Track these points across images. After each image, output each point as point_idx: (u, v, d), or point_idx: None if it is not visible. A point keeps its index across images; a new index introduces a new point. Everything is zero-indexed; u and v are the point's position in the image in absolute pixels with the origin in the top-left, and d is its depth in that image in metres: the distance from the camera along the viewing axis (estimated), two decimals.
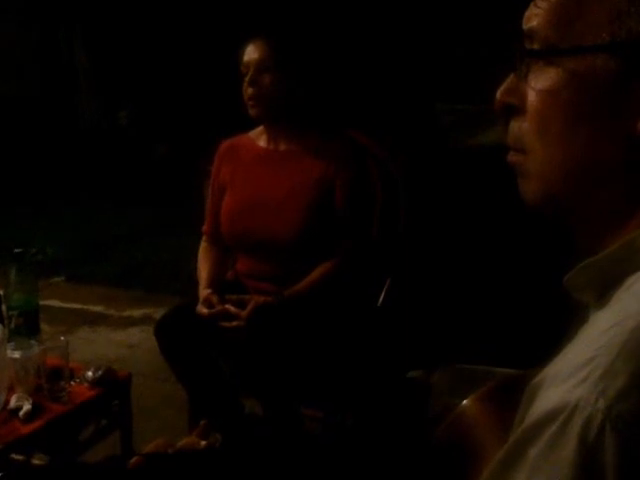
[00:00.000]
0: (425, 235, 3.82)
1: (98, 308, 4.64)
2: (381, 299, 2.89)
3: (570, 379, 0.73)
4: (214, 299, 2.69)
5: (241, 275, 2.86)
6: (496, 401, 1.20)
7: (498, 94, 0.91)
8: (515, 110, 0.90)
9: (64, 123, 8.23)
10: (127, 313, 4.59)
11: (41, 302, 2.88)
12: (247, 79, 2.71)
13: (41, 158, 7.41)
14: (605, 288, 0.82)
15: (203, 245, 2.98)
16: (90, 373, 2.69)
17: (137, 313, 4.56)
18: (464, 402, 1.25)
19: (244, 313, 2.62)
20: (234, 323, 2.63)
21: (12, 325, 2.74)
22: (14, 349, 2.58)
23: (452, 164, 4.26)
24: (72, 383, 2.65)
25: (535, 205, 0.90)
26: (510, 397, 1.10)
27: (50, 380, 2.59)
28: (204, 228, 2.98)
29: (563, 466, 0.71)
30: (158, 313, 4.49)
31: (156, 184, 7.11)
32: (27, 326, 2.75)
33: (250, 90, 2.71)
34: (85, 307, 4.62)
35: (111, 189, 7.07)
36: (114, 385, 2.68)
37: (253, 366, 2.62)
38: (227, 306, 2.66)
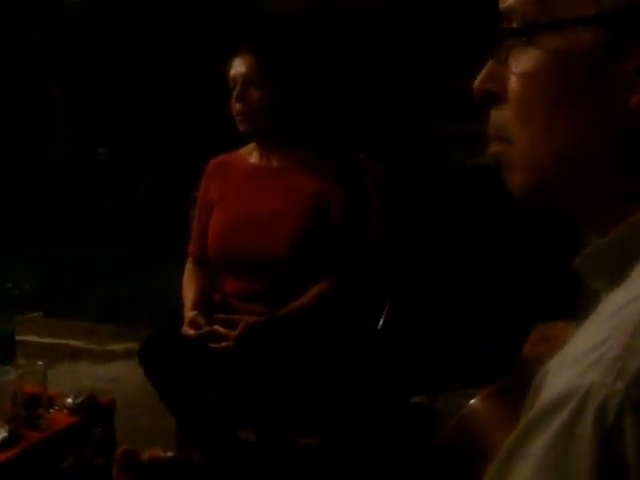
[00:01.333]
0: (424, 255, 3.77)
1: (78, 343, 4.50)
2: (381, 322, 2.78)
3: (581, 362, 0.67)
4: (201, 320, 2.56)
5: (229, 296, 2.73)
6: (505, 399, 1.16)
7: (476, 82, 0.84)
8: (496, 98, 0.83)
9: (40, 157, 8.14)
10: (109, 347, 4.45)
11: (18, 337, 2.78)
12: (234, 94, 2.62)
13: (17, 191, 7.30)
14: (617, 270, 0.75)
15: (188, 267, 2.85)
16: (70, 400, 2.58)
17: (119, 347, 4.42)
18: (471, 402, 1.21)
19: (234, 333, 2.49)
20: (223, 344, 2.50)
21: None
22: None
23: (450, 183, 4.22)
24: (51, 410, 2.53)
25: (523, 197, 0.83)
26: (520, 395, 1.10)
27: (27, 407, 2.47)
28: (189, 249, 2.86)
29: (577, 454, 0.64)
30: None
31: (136, 219, 7.01)
32: (2, 352, 2.63)
33: (238, 105, 2.62)
34: (65, 342, 4.48)
35: (90, 224, 6.96)
36: (96, 412, 2.55)
37: (243, 389, 2.48)
38: (215, 327, 2.54)
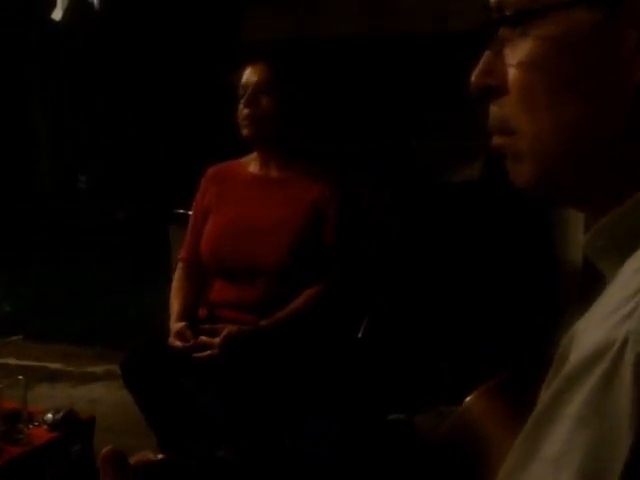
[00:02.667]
0: (419, 262, 3.78)
1: (57, 365, 4.46)
2: (361, 331, 2.79)
3: (612, 318, 0.65)
4: (188, 332, 2.55)
5: (217, 305, 2.72)
6: (502, 395, 1.13)
7: (473, 77, 0.82)
8: (494, 91, 0.82)
9: (20, 185, 8.11)
10: (88, 369, 4.41)
11: None
12: (243, 100, 2.67)
13: None
14: (628, 246, 0.73)
15: (178, 274, 2.84)
16: (50, 415, 2.55)
17: (99, 369, 4.38)
18: (467, 399, 1.20)
19: (217, 340, 2.48)
20: (207, 353, 2.49)
21: None
22: None
23: (435, 200, 4.25)
24: (31, 426, 2.50)
25: (530, 188, 0.81)
26: (519, 389, 1.06)
27: (7, 422, 2.43)
28: (181, 255, 2.86)
29: (617, 407, 0.62)
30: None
31: (115, 247, 6.98)
32: None
33: (245, 111, 2.66)
34: (44, 364, 4.43)
35: (70, 251, 6.92)
36: (76, 428, 2.51)
37: (230, 394, 2.46)
38: (201, 338, 2.53)
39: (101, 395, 4.01)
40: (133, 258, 6.52)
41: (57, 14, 4.08)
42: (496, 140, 0.84)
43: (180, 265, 2.86)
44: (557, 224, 4.17)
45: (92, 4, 4.47)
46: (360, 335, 2.80)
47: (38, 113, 8.36)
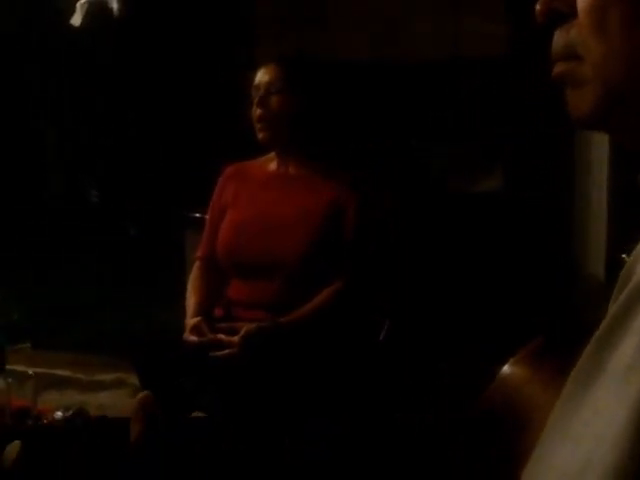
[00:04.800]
0: (423, 277, 3.75)
1: (66, 372, 4.41)
2: (382, 334, 2.74)
3: None
4: (205, 327, 2.51)
5: (234, 304, 2.68)
6: (541, 361, 1.09)
7: (539, 3, 0.78)
8: (561, 16, 0.78)
9: (31, 195, 8.11)
10: (97, 377, 4.36)
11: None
12: (256, 100, 2.66)
13: (7, 226, 7.26)
14: None
15: (194, 272, 2.81)
16: (60, 413, 2.49)
17: (107, 377, 4.34)
18: (504, 368, 1.15)
19: (236, 338, 2.43)
20: (226, 351, 2.44)
21: None
22: None
23: (451, 210, 4.23)
24: (39, 424, 2.44)
25: (589, 117, 0.77)
26: (557, 353, 1.04)
27: (16, 419, 2.38)
28: (198, 254, 2.83)
29: None
30: (130, 378, 4.29)
31: (127, 259, 6.98)
32: None
33: (259, 111, 2.65)
34: (52, 371, 4.36)
35: (81, 261, 6.92)
36: (86, 426, 2.46)
37: (243, 395, 2.40)
38: (219, 335, 2.48)
39: (110, 402, 3.96)
40: (145, 270, 6.51)
41: (76, 20, 4.06)
42: (559, 67, 0.79)
43: (197, 264, 2.83)
44: (577, 238, 4.13)
45: (111, 10, 4.44)
46: (381, 338, 2.75)
47: (46, 125, 8.36)
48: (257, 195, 2.71)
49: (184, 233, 3.79)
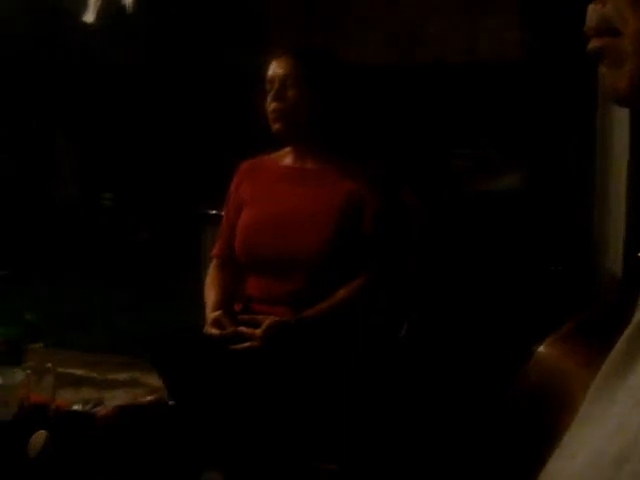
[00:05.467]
0: (445, 274, 3.74)
1: (81, 372, 4.39)
2: (403, 331, 2.71)
3: None
4: (225, 320, 2.48)
5: (253, 300, 2.65)
6: (575, 340, 1.07)
7: None
8: None
9: (45, 198, 8.12)
10: (112, 376, 4.33)
11: None
12: (272, 94, 2.63)
13: (18, 234, 7.26)
14: None
15: (212, 270, 2.79)
16: (77, 407, 2.47)
17: (122, 376, 4.31)
18: (539, 348, 1.12)
19: (258, 331, 2.40)
20: (247, 344, 2.41)
21: None
22: None
23: (468, 210, 4.22)
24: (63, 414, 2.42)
25: (628, 94, 0.74)
26: (595, 332, 1.02)
27: (35, 413, 2.35)
28: (215, 251, 2.80)
29: None
30: (145, 377, 4.27)
31: (138, 264, 6.98)
32: (9, 355, 2.52)
33: (274, 105, 2.62)
34: (67, 370, 4.34)
35: (92, 266, 6.91)
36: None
37: (262, 388, 2.37)
38: (240, 328, 2.45)
39: (125, 401, 3.92)
40: (159, 271, 6.54)
41: (89, 17, 4.05)
42: (594, 43, 0.77)
43: (214, 262, 2.80)
44: (597, 234, 4.12)
45: (124, 7, 4.43)
46: (402, 334, 2.72)
47: (59, 127, 8.37)
48: (274, 191, 2.67)
49: (202, 230, 3.77)
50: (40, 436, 2.00)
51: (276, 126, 2.63)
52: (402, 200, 2.76)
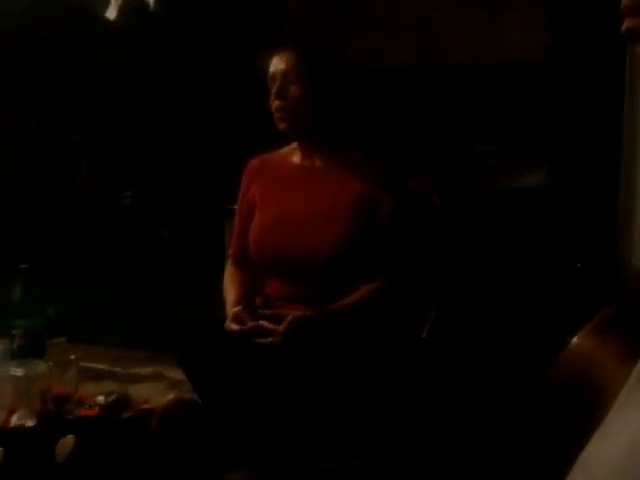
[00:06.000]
0: (468, 271, 3.71)
1: (103, 366, 4.38)
2: (426, 330, 2.66)
3: None
4: (245, 315, 2.44)
5: (272, 299, 2.61)
6: (609, 330, 1.07)
7: None
8: None
9: (65, 196, 8.15)
10: (135, 370, 4.33)
11: None
12: (274, 91, 2.55)
13: (39, 231, 7.29)
14: None
15: (228, 269, 2.74)
16: (101, 397, 2.46)
17: (145, 371, 4.31)
18: (574, 339, 1.11)
19: (281, 327, 2.36)
20: (269, 339, 2.37)
21: (15, 345, 2.50)
22: (17, 367, 2.34)
23: (493, 206, 4.18)
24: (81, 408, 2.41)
25: None
26: (631, 321, 1.04)
27: (57, 403, 2.35)
28: (230, 251, 2.76)
29: None
30: (168, 371, 4.27)
31: (159, 262, 7.00)
32: (31, 347, 2.51)
33: (277, 102, 2.55)
34: (90, 365, 4.34)
35: (113, 263, 6.93)
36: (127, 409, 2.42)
37: (284, 384, 2.34)
38: (261, 322, 2.40)
39: (148, 394, 3.91)
40: (182, 269, 6.52)
41: (111, 13, 4.03)
42: (628, 22, 0.76)
43: (230, 260, 2.77)
44: (622, 230, 4.08)
45: (147, 3, 4.41)
46: (424, 335, 2.67)
47: (79, 126, 8.39)
48: (284, 192, 2.62)
49: (225, 226, 3.75)
50: (68, 441, 1.98)
51: (281, 125, 2.56)
52: (421, 193, 2.70)
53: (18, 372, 2.32)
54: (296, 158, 2.66)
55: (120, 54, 7.20)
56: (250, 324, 2.42)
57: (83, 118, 8.26)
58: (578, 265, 3.62)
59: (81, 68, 7.71)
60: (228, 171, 2.98)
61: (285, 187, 2.62)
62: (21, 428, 2.07)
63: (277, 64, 2.57)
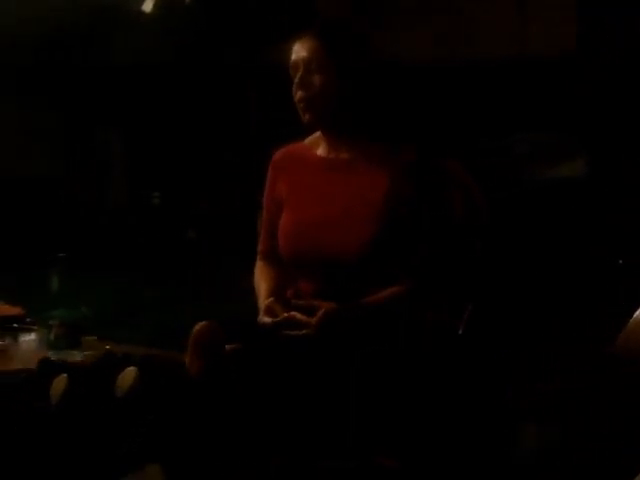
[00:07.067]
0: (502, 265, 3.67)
1: None
2: (462, 327, 2.61)
3: None
4: (278, 307, 2.40)
5: (303, 296, 2.56)
6: None
7: None
8: None
9: (96, 199, 8.20)
10: None
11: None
12: (296, 81, 2.44)
13: (66, 232, 7.34)
14: None
15: (259, 265, 2.68)
16: None
17: None
18: (636, 313, 1.12)
19: (315, 319, 2.32)
20: (302, 331, 2.33)
21: (51, 335, 2.50)
22: (53, 357, 2.33)
23: (528, 196, 4.15)
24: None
25: None
26: None
27: None
28: (259, 248, 2.69)
29: None
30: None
31: (186, 262, 7.04)
32: (68, 338, 2.51)
33: (300, 93, 2.43)
34: None
35: (142, 263, 6.96)
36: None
37: (316, 378, 2.30)
38: (293, 313, 2.37)
39: None
40: (207, 268, 6.55)
41: (147, 6, 4.03)
42: None
43: (259, 256, 2.72)
44: None
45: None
46: (461, 331, 2.62)
47: (109, 128, 8.43)
48: (310, 187, 2.52)
49: (258, 221, 3.73)
50: (129, 374, 1.96)
51: (306, 117, 2.44)
52: (454, 180, 2.61)
53: None
54: (321, 150, 2.56)
55: (148, 53, 7.24)
56: (283, 316, 2.38)
57: (112, 118, 8.31)
58: (620, 262, 3.58)
59: (107, 68, 7.76)
60: (260, 167, 2.97)
61: (312, 183, 2.53)
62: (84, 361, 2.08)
63: (299, 51, 2.44)
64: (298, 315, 2.35)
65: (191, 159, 7.98)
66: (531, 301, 3.84)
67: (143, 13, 4.84)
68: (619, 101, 4.15)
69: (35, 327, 2.54)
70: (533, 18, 5.29)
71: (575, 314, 3.68)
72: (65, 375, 1.98)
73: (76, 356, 2.36)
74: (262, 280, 2.62)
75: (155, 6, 4.03)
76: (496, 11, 5.48)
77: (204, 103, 7.56)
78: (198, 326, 2.37)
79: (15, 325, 2.54)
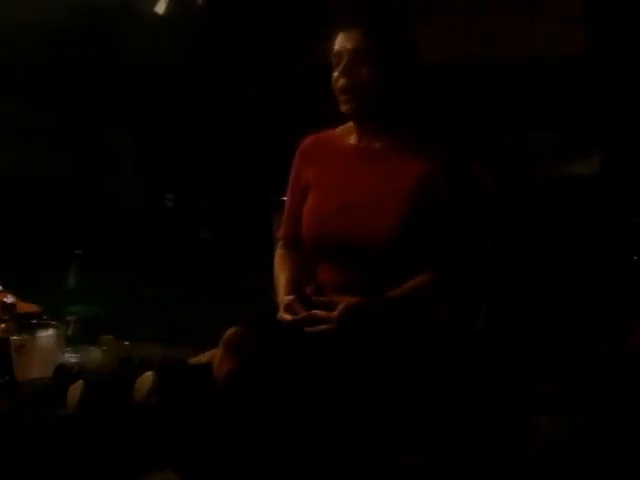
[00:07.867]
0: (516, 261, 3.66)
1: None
2: (479, 323, 2.60)
3: None
4: (298, 305, 2.40)
5: (325, 287, 2.57)
6: None
7: None
8: None
9: (110, 200, 8.23)
10: None
11: None
12: (339, 69, 2.48)
13: (81, 233, 7.36)
14: None
15: (279, 252, 2.69)
16: None
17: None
18: None
19: (334, 314, 2.32)
20: (322, 327, 2.33)
21: (69, 331, 2.51)
22: (71, 353, 2.35)
23: (543, 194, 4.14)
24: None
25: None
26: None
27: None
28: (281, 233, 2.71)
29: None
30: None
31: (200, 263, 7.06)
32: (85, 334, 2.53)
33: (342, 81, 2.47)
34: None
35: (156, 264, 6.97)
36: None
37: (337, 374, 2.30)
38: (314, 311, 2.37)
39: None
40: (224, 268, 6.57)
41: (160, 7, 4.04)
42: None
43: (280, 244, 2.72)
44: None
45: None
46: (478, 327, 2.63)
47: (122, 128, 8.45)
48: (338, 174, 2.55)
49: (273, 217, 3.73)
50: (147, 378, 1.97)
51: (346, 107, 2.49)
52: (475, 181, 2.62)
53: (72, 359, 2.32)
54: (352, 139, 2.59)
55: (162, 53, 7.24)
56: (303, 314, 2.39)
57: (126, 119, 8.32)
58: (635, 258, 3.57)
59: (124, 68, 7.76)
60: (275, 163, 2.97)
61: (340, 170, 2.56)
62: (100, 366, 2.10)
63: (344, 42, 2.49)
64: (318, 312, 2.36)
65: (198, 159, 7.99)
66: (539, 301, 3.83)
67: (155, 14, 4.86)
68: (629, 102, 4.16)
69: (53, 323, 2.55)
70: (542, 20, 5.33)
71: (575, 314, 3.68)
72: (81, 382, 2.00)
73: (93, 353, 2.37)
74: (282, 271, 2.62)
75: (168, 8, 4.04)
76: (507, 13, 5.51)
77: (205, 103, 7.57)
78: (229, 331, 2.39)
79: (33, 321, 2.55)
